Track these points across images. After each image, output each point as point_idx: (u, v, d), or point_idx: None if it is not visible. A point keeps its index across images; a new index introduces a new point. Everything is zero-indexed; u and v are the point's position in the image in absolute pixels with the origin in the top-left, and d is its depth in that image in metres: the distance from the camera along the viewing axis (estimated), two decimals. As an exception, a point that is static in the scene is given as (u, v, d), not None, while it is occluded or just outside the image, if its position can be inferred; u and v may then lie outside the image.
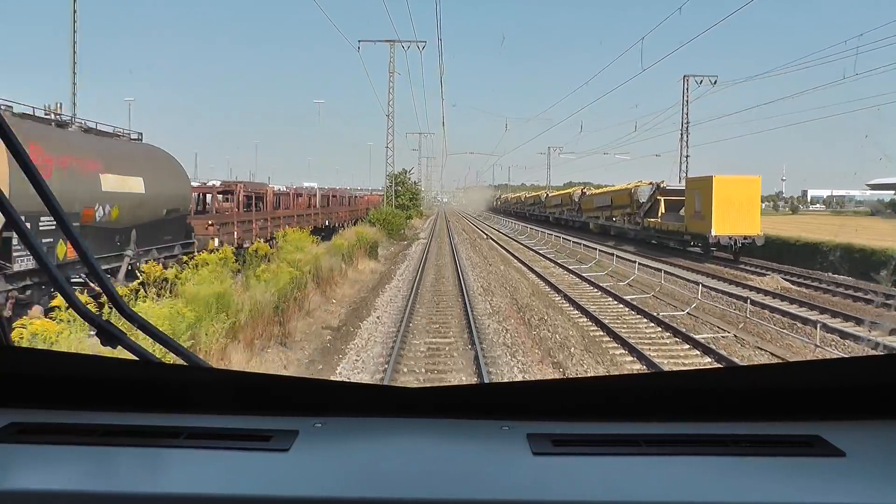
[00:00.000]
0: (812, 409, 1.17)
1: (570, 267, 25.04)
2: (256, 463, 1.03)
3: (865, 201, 73.44)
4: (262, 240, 20.35)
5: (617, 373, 10.45)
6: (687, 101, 42.64)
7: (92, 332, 1.34)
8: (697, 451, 1.07)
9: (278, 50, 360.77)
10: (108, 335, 1.28)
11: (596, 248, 31.88)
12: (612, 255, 27.81)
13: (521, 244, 38.40)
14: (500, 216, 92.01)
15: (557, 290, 19.10)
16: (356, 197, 59.00)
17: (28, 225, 1.23)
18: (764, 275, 22.79)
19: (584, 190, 51.70)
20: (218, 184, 33.96)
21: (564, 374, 10.37)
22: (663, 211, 34.93)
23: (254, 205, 27.01)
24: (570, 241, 35.92)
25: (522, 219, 74.41)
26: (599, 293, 18.95)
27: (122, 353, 1.28)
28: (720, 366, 10.82)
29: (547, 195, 68.82)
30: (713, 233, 27.89)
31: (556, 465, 1.04)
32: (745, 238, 27.88)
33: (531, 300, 17.13)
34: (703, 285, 17.90)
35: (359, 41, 41.93)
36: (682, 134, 42.86)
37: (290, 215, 26.93)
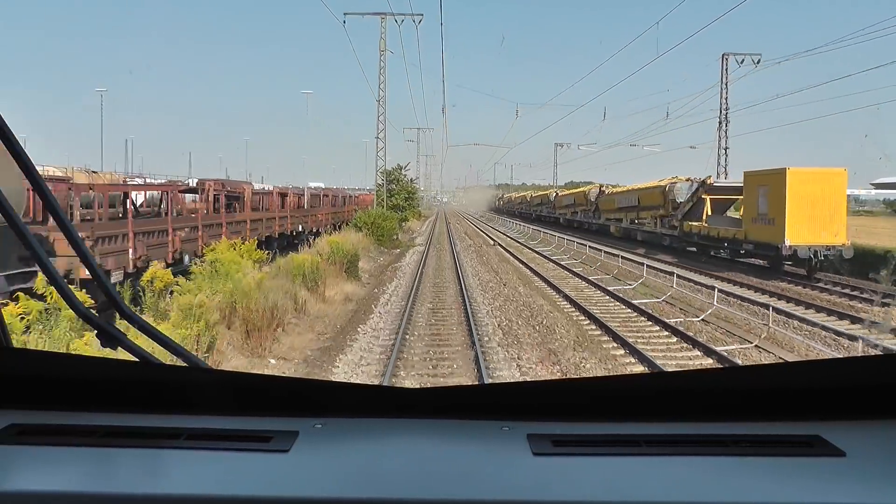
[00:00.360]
0: (812, 409, 1.16)
1: (609, 288, 18.98)
2: (256, 464, 1.03)
3: (869, 200, 69.24)
4: (183, 258, 14.33)
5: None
6: (726, 84, 36.53)
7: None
8: (697, 451, 1.06)
9: (277, 50, 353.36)
10: (108, 336, 1.28)
11: (632, 261, 25.82)
12: (666, 273, 21.71)
13: (536, 252, 32.28)
14: (503, 217, 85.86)
15: (611, 334, 13.02)
16: (353, 196, 54.29)
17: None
18: (885, 303, 16.70)
19: (603, 188, 45.60)
20: (194, 182, 29.57)
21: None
22: (709, 212, 28.92)
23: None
24: (598, 249, 29.82)
25: (528, 220, 68.38)
26: (675, 339, 12.82)
27: (122, 353, 1.28)
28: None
29: (557, 194, 62.57)
30: (787, 242, 21.81)
31: (557, 465, 1.03)
32: (827, 249, 21.85)
33: (581, 357, 11.07)
34: (866, 342, 11.72)
35: (344, 14, 35.76)
36: (720, 122, 36.74)
37: (239, 220, 20.81)
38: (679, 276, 20.11)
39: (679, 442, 1.08)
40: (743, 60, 36.46)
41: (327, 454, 1.07)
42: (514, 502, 0.94)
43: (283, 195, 34.74)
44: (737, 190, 28.92)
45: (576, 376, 9.77)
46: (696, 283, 20.07)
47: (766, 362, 10.59)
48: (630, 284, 20.35)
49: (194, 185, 28.32)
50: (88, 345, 7.17)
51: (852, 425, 1.13)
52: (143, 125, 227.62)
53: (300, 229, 27.02)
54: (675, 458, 1.05)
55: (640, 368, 10.83)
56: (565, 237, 37.88)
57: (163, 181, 39.15)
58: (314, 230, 29.54)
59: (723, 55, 36.85)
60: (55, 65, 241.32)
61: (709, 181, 29.23)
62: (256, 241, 16.73)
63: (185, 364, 1.34)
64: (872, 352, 11.42)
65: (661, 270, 22.49)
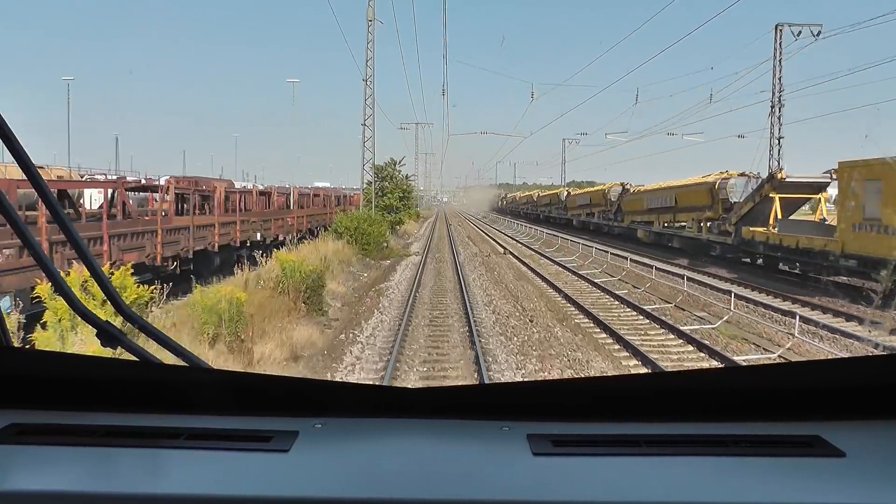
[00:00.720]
0: (812, 409, 1.15)
1: (684, 329, 12.99)
2: (257, 464, 1.02)
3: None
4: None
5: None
6: (780, 61, 30.60)
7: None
8: (698, 452, 1.06)
9: (277, 49, 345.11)
10: (109, 336, 1.27)
11: (699, 282, 19.80)
12: (749, 301, 15.60)
13: (558, 264, 26.18)
14: (507, 218, 79.85)
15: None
16: (347, 196, 49.70)
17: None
18: None
19: (627, 186, 39.65)
20: (163, 181, 24.99)
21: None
22: (779, 215, 22.95)
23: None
24: (644, 264, 23.81)
25: (535, 222, 62.47)
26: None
27: (122, 353, 1.28)
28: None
29: (569, 193, 56.53)
30: (918, 258, 15.87)
31: (556, 465, 1.03)
32: (972, 267, 15.90)
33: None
34: None
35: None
36: (772, 106, 30.78)
37: (141, 230, 14.82)
38: (762, 306, 14.07)
39: (679, 442, 1.07)
40: (800, 32, 30.54)
41: (327, 454, 1.07)
42: (514, 502, 0.94)
43: (265, 195, 29.33)
44: (814, 187, 23.02)
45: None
46: (812, 324, 14.09)
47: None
48: (707, 321, 14.35)
49: (163, 183, 23.34)
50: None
51: (852, 425, 1.12)
52: (143, 124, 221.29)
53: (258, 238, 20.99)
54: (675, 458, 1.04)
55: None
56: (588, 244, 31.89)
57: (112, 177, 33.47)
58: (278, 238, 23.55)
59: (776, 26, 30.96)
60: (55, 64, 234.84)
61: (779, 176, 23.19)
62: (167, 264, 10.78)
63: (185, 364, 1.31)
64: None
65: (747, 299, 16.46)
